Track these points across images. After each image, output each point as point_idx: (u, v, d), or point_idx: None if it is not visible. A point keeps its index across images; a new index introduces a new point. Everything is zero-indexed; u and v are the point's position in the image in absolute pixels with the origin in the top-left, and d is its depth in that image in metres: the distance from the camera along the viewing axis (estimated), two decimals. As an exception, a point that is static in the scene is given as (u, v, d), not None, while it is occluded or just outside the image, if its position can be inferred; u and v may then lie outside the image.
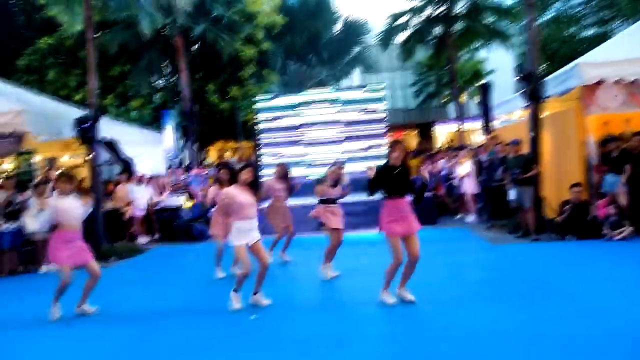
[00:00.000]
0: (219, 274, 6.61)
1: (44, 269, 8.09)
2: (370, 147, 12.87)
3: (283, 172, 7.28)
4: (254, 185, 5.24)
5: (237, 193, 5.08)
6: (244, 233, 5.05)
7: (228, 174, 6.36)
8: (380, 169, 5.02)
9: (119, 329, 4.84)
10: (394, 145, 5.13)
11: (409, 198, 5.06)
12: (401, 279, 4.98)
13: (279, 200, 7.25)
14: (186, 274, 7.53)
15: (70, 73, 16.64)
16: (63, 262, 5.11)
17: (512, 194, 8.40)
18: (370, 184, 4.99)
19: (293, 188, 7.35)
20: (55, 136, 9.37)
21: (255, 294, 5.23)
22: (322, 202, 6.36)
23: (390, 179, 4.92)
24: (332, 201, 6.35)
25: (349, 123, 13.05)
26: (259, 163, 12.14)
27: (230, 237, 5.18)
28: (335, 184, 6.34)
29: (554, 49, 20.49)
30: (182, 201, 10.86)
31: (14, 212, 7.99)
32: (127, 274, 7.69)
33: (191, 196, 11.80)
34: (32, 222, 8.07)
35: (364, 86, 14.50)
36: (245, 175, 5.15)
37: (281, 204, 7.27)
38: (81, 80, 16.14)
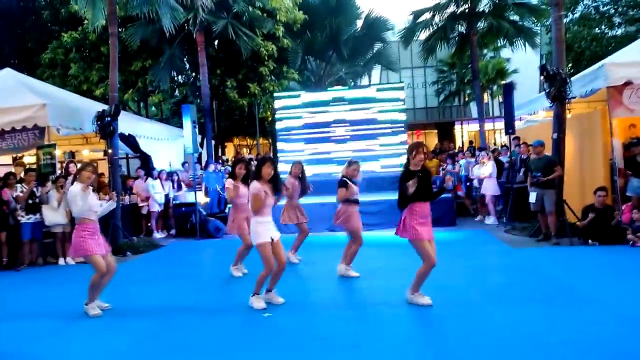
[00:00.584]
0: (238, 272, 6.58)
1: (62, 261, 8.22)
2: (388, 146, 12.79)
3: (299, 171, 7.22)
4: (275, 181, 5.09)
5: (263, 188, 4.97)
6: (267, 229, 4.97)
7: (244, 169, 6.33)
8: (404, 178, 4.78)
9: (134, 324, 4.86)
10: (416, 148, 4.85)
11: (429, 203, 4.89)
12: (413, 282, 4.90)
13: (293, 199, 7.22)
14: (201, 270, 7.55)
15: (92, 67, 16.85)
16: (95, 251, 5.07)
17: (533, 197, 8.20)
18: (403, 199, 4.79)
19: (307, 188, 7.27)
20: (76, 130, 9.49)
21: (269, 291, 5.18)
22: (346, 201, 6.23)
23: (418, 183, 4.72)
24: (355, 201, 6.25)
25: (368, 121, 12.98)
26: (275, 159, 12.12)
27: (252, 235, 5.05)
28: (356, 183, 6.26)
29: (580, 48, 20.01)
30: (198, 197, 10.89)
31: (35, 204, 8.10)
32: (143, 269, 7.74)
33: (207, 192, 11.84)
34: (52, 215, 8.19)
35: (384, 84, 14.36)
36: (267, 169, 5.00)
37: (295, 203, 7.23)
38: (103, 74, 16.36)
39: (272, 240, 4.97)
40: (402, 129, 13.12)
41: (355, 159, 6.53)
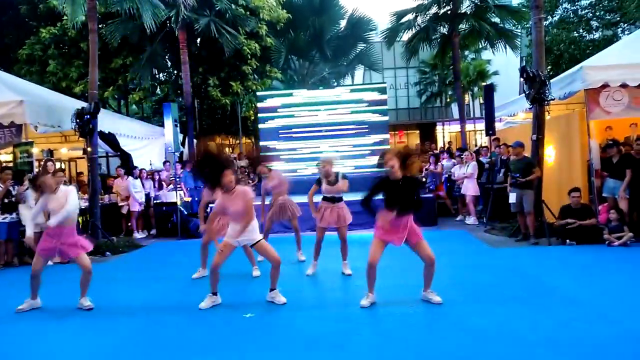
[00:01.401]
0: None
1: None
2: (369, 146, 12.86)
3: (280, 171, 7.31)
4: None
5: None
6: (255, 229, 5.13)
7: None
8: (380, 182, 4.72)
9: (115, 324, 4.80)
10: (381, 161, 4.65)
11: (410, 216, 4.73)
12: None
13: (282, 194, 7.23)
14: (183, 270, 7.46)
15: (72, 64, 16.55)
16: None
17: (513, 197, 8.32)
18: (366, 200, 4.75)
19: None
20: (54, 128, 9.32)
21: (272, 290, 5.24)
22: (323, 199, 6.37)
23: (392, 193, 4.64)
24: (330, 199, 6.30)
25: (351, 121, 13.03)
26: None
27: (251, 235, 5.07)
28: (332, 182, 6.29)
29: (559, 51, 20.38)
30: (179, 196, 10.79)
31: (11, 203, 7.93)
32: (123, 269, 7.64)
33: (186, 192, 11.74)
34: (28, 215, 8.02)
35: (367, 84, 14.37)
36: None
37: (284, 201, 7.22)
38: (82, 71, 16.08)
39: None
40: (386, 129, 13.21)
41: (326, 158, 6.54)
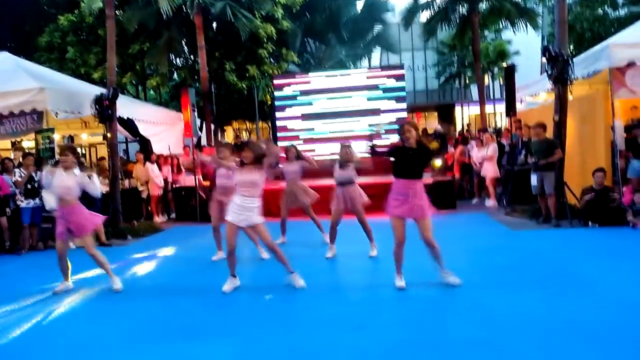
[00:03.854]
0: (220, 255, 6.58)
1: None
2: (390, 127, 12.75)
3: (294, 154, 7.28)
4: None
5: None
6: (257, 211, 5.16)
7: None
8: (395, 148, 4.92)
9: (137, 306, 4.90)
10: (401, 129, 4.87)
11: (421, 182, 4.87)
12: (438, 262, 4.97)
13: (294, 182, 7.24)
14: (202, 253, 7.56)
15: (90, 51, 16.69)
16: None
17: (534, 179, 8.19)
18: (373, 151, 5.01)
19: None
20: (74, 114, 9.44)
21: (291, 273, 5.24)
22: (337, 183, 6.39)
23: (402, 160, 4.82)
24: (340, 183, 6.35)
25: (368, 104, 12.91)
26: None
27: (257, 216, 5.10)
28: (342, 165, 6.35)
29: (583, 29, 19.80)
30: (197, 181, 10.87)
31: (34, 189, 8.08)
32: (144, 253, 7.75)
33: (205, 176, 11.82)
34: (52, 200, 8.18)
35: (384, 66, 14.20)
36: (246, 153, 5.08)
37: (296, 186, 7.25)
38: (100, 58, 16.20)
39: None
40: (404, 110, 13.06)
41: (346, 142, 6.64)
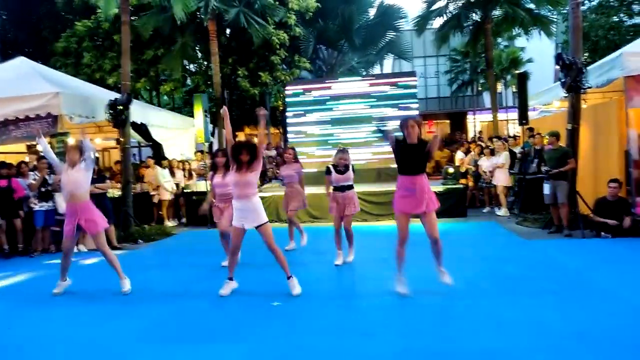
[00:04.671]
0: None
1: (74, 249, 8.31)
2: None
3: (292, 156, 7.41)
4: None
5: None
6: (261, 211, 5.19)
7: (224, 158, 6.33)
8: (397, 144, 4.94)
9: (145, 309, 4.94)
10: (404, 123, 4.92)
11: (424, 177, 4.91)
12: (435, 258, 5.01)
13: (292, 185, 7.33)
14: (211, 258, 7.58)
15: (105, 56, 16.91)
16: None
17: (547, 188, 8.11)
18: (384, 133, 5.14)
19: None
20: (88, 118, 9.56)
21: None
22: (334, 189, 6.47)
23: (405, 156, 4.88)
24: (338, 188, 6.39)
25: (379, 111, 12.89)
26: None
27: (260, 215, 5.10)
28: (341, 171, 6.38)
29: (597, 37, 19.62)
30: (208, 186, 10.94)
31: (47, 192, 8.19)
32: (154, 256, 7.81)
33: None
34: (64, 203, 8.27)
35: (396, 74, 14.20)
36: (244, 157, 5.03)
37: (295, 189, 7.31)
38: (115, 63, 16.41)
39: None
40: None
41: (344, 148, 6.76)
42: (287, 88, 13.98)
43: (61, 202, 8.22)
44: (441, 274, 5.02)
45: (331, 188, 6.49)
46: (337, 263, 6.41)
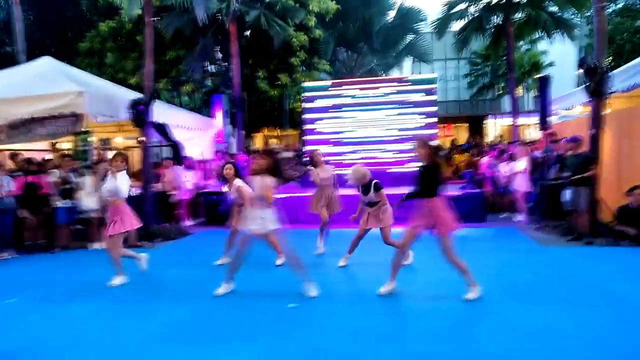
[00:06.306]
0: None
1: (95, 245, 8.47)
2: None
3: (318, 159, 7.32)
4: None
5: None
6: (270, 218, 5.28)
7: (233, 170, 6.61)
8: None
9: (162, 308, 4.99)
10: (415, 144, 4.96)
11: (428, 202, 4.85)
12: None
13: (324, 188, 7.28)
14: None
15: (128, 57, 17.19)
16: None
17: (567, 195, 7.98)
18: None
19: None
20: (111, 118, 9.71)
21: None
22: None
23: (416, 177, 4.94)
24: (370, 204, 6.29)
25: (398, 114, 12.86)
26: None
27: (270, 225, 5.17)
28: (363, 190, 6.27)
29: (622, 41, 19.26)
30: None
31: (69, 190, 8.35)
32: (173, 255, 7.90)
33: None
34: (87, 200, 8.44)
35: (416, 76, 14.11)
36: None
37: (325, 192, 7.27)
38: (137, 63, 16.67)
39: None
40: (435, 122, 12.96)
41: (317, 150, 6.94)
42: (305, 87, 14.00)
43: (84, 200, 8.39)
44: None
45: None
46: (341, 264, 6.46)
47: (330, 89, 13.32)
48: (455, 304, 4.75)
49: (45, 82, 9.38)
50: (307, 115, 13.49)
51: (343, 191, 7.60)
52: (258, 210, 5.11)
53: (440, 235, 4.82)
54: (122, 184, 5.97)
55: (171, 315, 4.79)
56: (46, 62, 10.64)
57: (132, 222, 6.06)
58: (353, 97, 13.10)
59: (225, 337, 4.15)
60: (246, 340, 4.08)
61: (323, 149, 12.22)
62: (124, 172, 6.08)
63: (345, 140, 13.05)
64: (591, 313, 4.42)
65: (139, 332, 4.33)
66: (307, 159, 7.26)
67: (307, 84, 14.21)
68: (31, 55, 14.30)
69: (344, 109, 13.11)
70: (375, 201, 6.10)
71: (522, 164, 10.17)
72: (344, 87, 13.37)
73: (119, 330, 4.41)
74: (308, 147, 13.34)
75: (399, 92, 12.96)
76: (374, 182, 6.07)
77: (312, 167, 7.25)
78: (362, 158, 12.47)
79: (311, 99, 13.39)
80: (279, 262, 6.59)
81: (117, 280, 5.91)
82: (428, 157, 4.82)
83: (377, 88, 13.20)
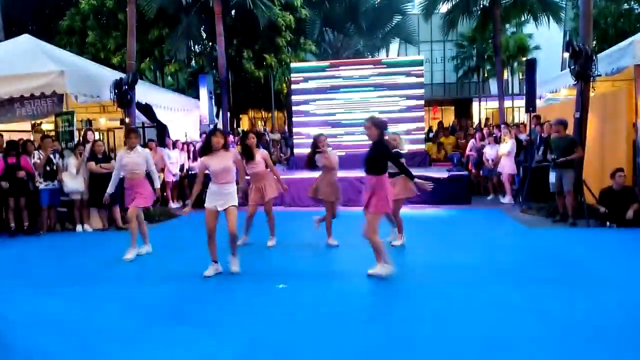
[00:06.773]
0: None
1: (79, 228, 8.36)
2: (408, 123, 12.67)
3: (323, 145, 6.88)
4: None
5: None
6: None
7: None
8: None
9: (152, 289, 4.97)
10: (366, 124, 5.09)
11: (371, 176, 5.01)
12: None
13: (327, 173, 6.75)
14: (217, 239, 7.62)
15: (110, 35, 16.78)
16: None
17: (552, 177, 8.08)
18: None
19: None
20: (93, 98, 9.51)
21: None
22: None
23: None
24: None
25: (385, 96, 12.84)
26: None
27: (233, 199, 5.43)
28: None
29: (607, 25, 19.37)
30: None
31: (53, 171, 8.20)
32: (159, 238, 7.81)
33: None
34: (71, 182, 8.30)
35: (402, 58, 14.05)
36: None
37: (326, 177, 6.97)
38: (119, 43, 16.30)
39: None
40: (421, 104, 12.97)
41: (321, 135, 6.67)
42: (292, 68, 13.86)
43: (68, 182, 8.25)
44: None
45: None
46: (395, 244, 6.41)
47: (327, 69, 13.22)
48: (439, 285, 4.79)
49: (25, 61, 9.14)
50: (294, 97, 13.39)
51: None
52: (224, 186, 5.38)
53: (371, 212, 4.95)
54: (144, 159, 6.33)
55: (155, 297, 4.74)
56: (25, 41, 10.35)
57: (153, 197, 6.48)
58: (344, 78, 13.03)
59: (212, 319, 4.13)
60: (232, 323, 4.06)
61: (310, 131, 12.28)
62: (139, 147, 6.43)
63: (331, 121, 13.01)
64: (574, 293, 4.49)
65: (123, 314, 4.29)
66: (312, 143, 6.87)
67: (295, 64, 14.07)
68: (9, 34, 13.90)
69: (329, 91, 13.04)
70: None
71: (507, 146, 10.25)
72: (333, 68, 13.28)
73: (103, 313, 4.35)
74: (295, 129, 13.33)
75: (387, 74, 12.92)
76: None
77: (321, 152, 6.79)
78: (349, 141, 12.47)
79: (298, 81, 13.28)
80: (270, 243, 6.58)
81: (142, 250, 6.32)
82: (378, 136, 5.02)
83: (364, 69, 13.14)
